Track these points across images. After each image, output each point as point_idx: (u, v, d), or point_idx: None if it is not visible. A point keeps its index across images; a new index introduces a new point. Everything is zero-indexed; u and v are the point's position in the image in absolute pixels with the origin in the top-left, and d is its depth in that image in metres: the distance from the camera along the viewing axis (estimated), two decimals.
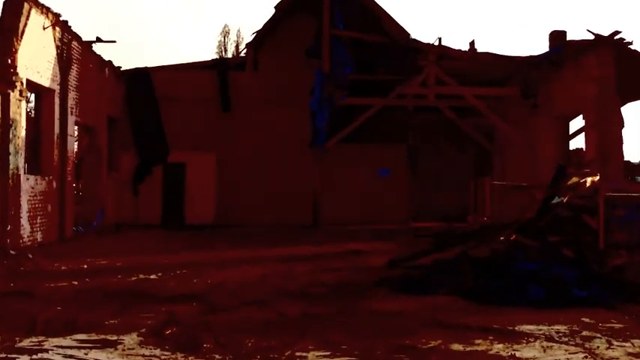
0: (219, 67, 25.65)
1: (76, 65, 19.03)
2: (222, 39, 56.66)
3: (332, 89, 22.83)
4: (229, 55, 52.51)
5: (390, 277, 10.45)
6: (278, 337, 6.92)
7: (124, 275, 11.38)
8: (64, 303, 8.61)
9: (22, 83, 14.61)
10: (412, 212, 26.84)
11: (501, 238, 11.54)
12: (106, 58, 22.70)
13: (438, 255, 12.40)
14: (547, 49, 21.62)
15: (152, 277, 11.28)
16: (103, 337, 6.87)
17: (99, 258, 14.05)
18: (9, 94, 13.83)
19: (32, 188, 15.64)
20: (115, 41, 21.10)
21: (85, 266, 12.61)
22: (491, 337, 7.35)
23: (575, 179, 13.93)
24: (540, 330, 7.85)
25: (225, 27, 66.68)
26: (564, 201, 12.57)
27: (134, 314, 7.92)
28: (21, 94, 14.38)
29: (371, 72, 24.27)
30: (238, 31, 62.15)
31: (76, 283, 10.49)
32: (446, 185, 28.79)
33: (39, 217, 16.02)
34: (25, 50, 14.91)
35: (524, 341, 7.27)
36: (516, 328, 7.85)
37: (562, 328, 7.99)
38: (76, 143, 24.04)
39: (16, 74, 14.15)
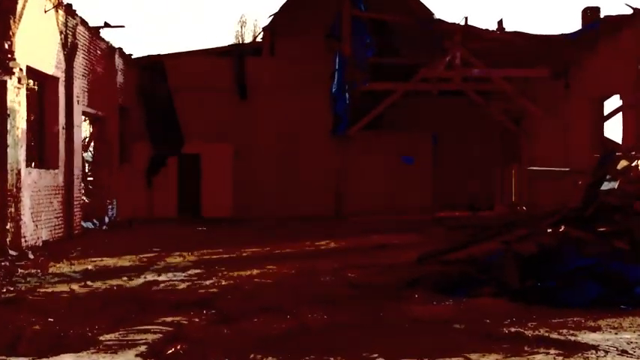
0: (235, 52, 24.56)
1: (82, 52, 18.01)
2: (240, 29, 55.46)
3: (353, 73, 21.62)
4: None
5: (424, 275, 9.30)
6: (301, 356, 5.81)
7: (130, 277, 10.34)
8: (56, 313, 7.56)
9: (21, 70, 13.58)
10: (437, 201, 25.66)
11: (548, 230, 10.31)
12: (116, 45, 21.69)
13: (474, 249, 11.23)
14: (580, 27, 20.31)
15: (161, 278, 10.23)
16: (94, 358, 5.81)
17: (106, 256, 13.04)
18: (5, 81, 12.81)
19: (35, 182, 14.66)
20: (123, 26, 20.08)
21: (89, 267, 11.60)
22: (553, 351, 6.20)
23: (624, 163, 12.63)
24: (608, 340, 6.69)
25: (242, 17, 65.47)
26: (615, 187, 11.31)
27: (134, 327, 6.85)
28: (19, 82, 13.36)
29: (393, 55, 23.07)
30: (255, 20, 60.86)
31: (75, 287, 9.46)
32: (470, 173, 27.58)
33: (43, 214, 15.04)
34: (24, 34, 13.88)
35: (594, 356, 6.11)
36: (579, 339, 6.69)
37: (632, 336, 6.83)
38: (87, 133, 23.16)
39: (14, 59, 13.13)
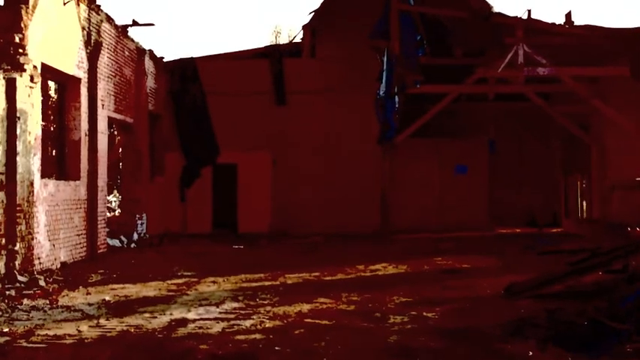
0: (272, 54, 22.74)
1: (107, 51, 16.33)
2: (275, 39, 53.69)
3: (403, 74, 19.57)
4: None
5: (529, 319, 7.22)
6: None
7: (153, 313, 8.44)
8: None
9: (35, 67, 11.88)
10: (494, 216, 23.47)
11: None
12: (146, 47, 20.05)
13: (575, 280, 9.12)
14: None
15: (190, 315, 8.31)
16: None
17: (129, 283, 11.21)
18: (15, 79, 11.10)
19: (52, 196, 12.93)
20: (153, 24, 18.46)
21: (107, 297, 9.74)
22: None
23: None
24: None
25: (276, 27, 63.72)
26: None
27: None
28: (32, 80, 11.64)
29: (446, 54, 20.99)
30: (290, 30, 59.11)
31: (84, 328, 7.60)
32: (529, 183, 25.38)
33: (62, 232, 13.30)
34: (40, 28, 12.20)
35: None
36: None
37: None
38: (116, 141, 21.53)
39: (25, 54, 11.42)
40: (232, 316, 8.23)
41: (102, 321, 8.04)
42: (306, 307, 8.70)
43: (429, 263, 13.61)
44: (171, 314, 8.40)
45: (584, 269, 9.06)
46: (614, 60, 18.73)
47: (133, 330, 7.49)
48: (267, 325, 7.60)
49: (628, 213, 19.76)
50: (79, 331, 7.45)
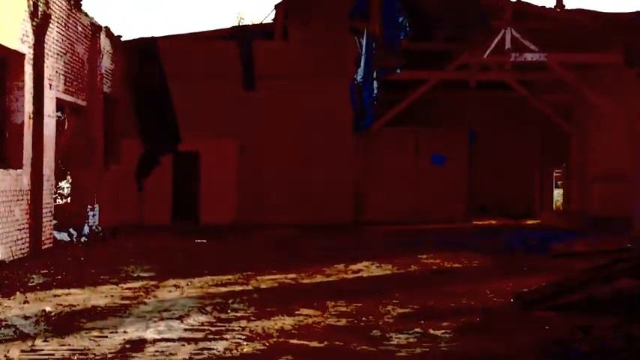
0: (240, 36, 21.15)
1: (57, 25, 14.60)
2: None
3: (383, 58, 18.23)
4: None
5: (564, 341, 5.94)
6: None
7: (102, 331, 6.94)
8: None
9: None
10: (471, 207, 22.42)
11: None
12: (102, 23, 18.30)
13: (595, 288, 7.91)
14: None
15: (148, 334, 6.82)
16: None
17: (76, 287, 9.65)
18: None
19: None
20: None
21: (48, 308, 8.18)
22: None
23: None
24: None
25: (239, 14, 61.83)
26: None
27: None
28: None
29: (428, 38, 19.74)
30: (254, 17, 57.36)
31: (14, 355, 6.07)
32: (506, 175, 24.44)
33: (0, 226, 11.64)
34: None
35: None
36: None
37: None
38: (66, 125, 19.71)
39: None
40: (200, 335, 6.77)
41: (38, 342, 6.51)
42: (288, 322, 7.28)
43: (414, 262, 12.32)
44: (125, 332, 6.90)
45: (608, 276, 7.85)
46: (606, 47, 17.68)
47: (76, 357, 5.98)
48: (245, 350, 6.15)
49: (609, 206, 18.88)
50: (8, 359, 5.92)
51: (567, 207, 22.05)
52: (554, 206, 24.37)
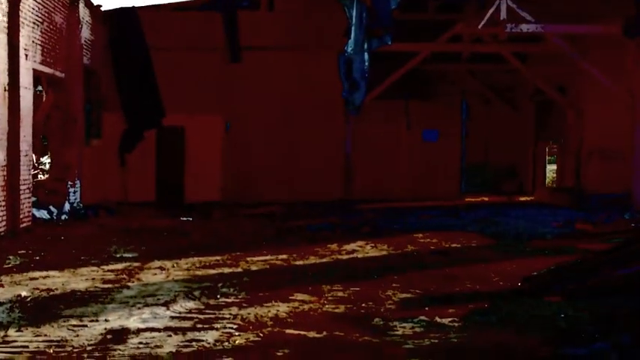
0: (224, 6, 20.38)
1: None
2: None
3: (373, 28, 17.56)
4: None
5: (578, 331, 5.48)
6: None
7: (82, 319, 6.39)
8: None
9: None
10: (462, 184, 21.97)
11: None
12: None
13: (611, 273, 7.46)
14: None
15: (132, 323, 6.28)
16: None
17: (55, 269, 9.08)
18: None
19: None
20: None
21: (24, 293, 7.61)
22: None
23: None
24: None
25: None
26: None
27: None
28: None
29: (421, 8, 19.11)
30: None
31: None
32: (497, 150, 24.06)
33: None
34: None
35: None
36: None
37: None
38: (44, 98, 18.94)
39: None
40: (188, 324, 6.24)
41: (11, 332, 5.96)
42: (283, 309, 6.77)
43: (410, 241, 11.84)
44: (106, 320, 6.36)
45: (621, 259, 7.39)
46: (605, 18, 17.14)
47: (52, 350, 5.44)
48: (237, 342, 5.63)
49: (605, 182, 18.51)
50: None
51: (561, 183, 21.65)
52: (547, 182, 23.99)
